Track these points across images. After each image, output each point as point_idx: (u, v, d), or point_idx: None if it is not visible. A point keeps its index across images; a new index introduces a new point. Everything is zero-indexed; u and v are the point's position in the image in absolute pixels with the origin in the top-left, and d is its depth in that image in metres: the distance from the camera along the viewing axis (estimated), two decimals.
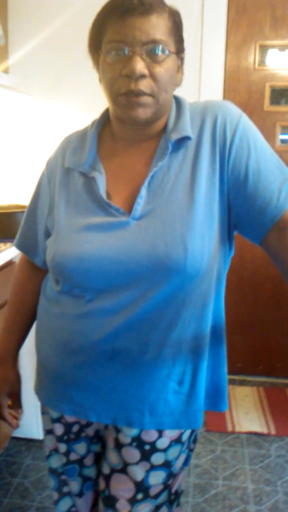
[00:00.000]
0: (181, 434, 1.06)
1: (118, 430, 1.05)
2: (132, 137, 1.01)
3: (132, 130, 1.00)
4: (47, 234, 1.10)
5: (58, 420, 1.13)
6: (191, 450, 1.14)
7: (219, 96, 2.56)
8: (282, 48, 2.56)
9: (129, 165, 1.02)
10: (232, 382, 2.82)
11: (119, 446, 1.06)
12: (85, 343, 1.01)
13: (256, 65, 2.58)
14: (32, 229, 1.14)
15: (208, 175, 0.96)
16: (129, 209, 0.97)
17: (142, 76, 0.90)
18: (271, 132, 2.62)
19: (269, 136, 2.62)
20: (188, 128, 0.97)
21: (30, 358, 2.14)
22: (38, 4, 2.52)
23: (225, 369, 1.11)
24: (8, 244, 2.02)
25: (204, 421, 1.16)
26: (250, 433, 2.36)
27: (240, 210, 0.97)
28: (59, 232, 1.01)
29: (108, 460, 1.09)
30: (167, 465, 1.05)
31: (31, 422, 2.24)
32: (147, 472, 1.04)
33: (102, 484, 1.11)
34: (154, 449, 1.03)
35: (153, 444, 1.03)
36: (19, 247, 1.19)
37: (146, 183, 0.96)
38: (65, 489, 1.20)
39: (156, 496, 1.06)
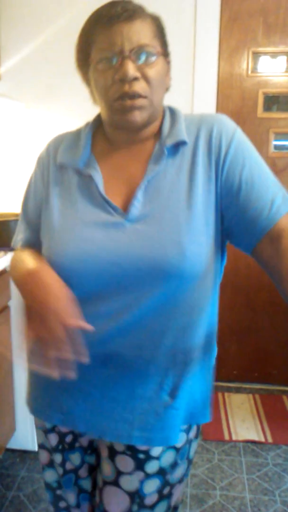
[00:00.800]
0: None
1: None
2: (126, 141, 1.03)
3: (125, 135, 1.01)
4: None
5: (52, 430, 1.12)
6: (190, 462, 1.12)
7: (213, 103, 2.55)
8: (274, 55, 2.56)
9: (124, 165, 1.02)
10: (227, 389, 2.80)
11: (113, 454, 1.04)
12: None
13: (249, 71, 2.58)
14: (32, 227, 1.12)
15: (205, 183, 0.97)
16: (125, 210, 0.97)
17: (135, 78, 0.93)
18: (264, 138, 2.62)
19: (263, 143, 2.62)
20: (183, 133, 0.99)
21: (23, 373, 2.11)
22: (30, 11, 2.51)
23: (213, 380, 1.10)
24: (2, 253, 1.99)
25: (200, 430, 1.14)
26: (247, 441, 2.34)
27: (232, 219, 0.98)
28: (54, 231, 1.00)
29: (102, 472, 1.07)
30: (161, 472, 1.04)
31: (26, 434, 2.20)
32: (142, 481, 1.02)
33: (97, 498, 1.10)
34: (148, 457, 1.02)
35: (147, 452, 1.02)
36: (23, 246, 1.13)
37: (142, 186, 0.97)
38: (61, 504, 1.19)
39: (152, 506, 1.04)
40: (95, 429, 1.03)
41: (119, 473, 1.04)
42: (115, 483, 1.04)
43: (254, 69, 2.59)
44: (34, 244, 1.12)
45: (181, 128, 1.00)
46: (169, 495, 1.07)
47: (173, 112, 1.05)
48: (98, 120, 1.09)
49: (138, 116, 0.95)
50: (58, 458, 1.14)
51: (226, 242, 1.04)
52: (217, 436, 2.37)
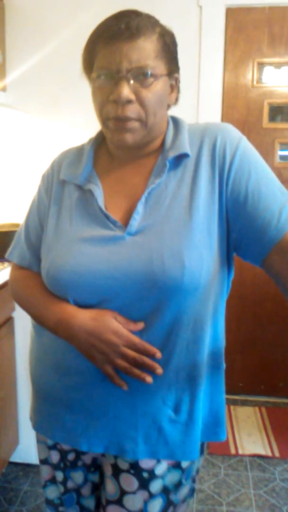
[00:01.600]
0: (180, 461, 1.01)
1: (116, 456, 1.01)
2: (128, 157, 1.01)
3: (127, 152, 1.00)
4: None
5: (54, 447, 1.10)
6: (193, 481, 1.09)
7: (218, 113, 2.55)
8: (280, 65, 2.56)
9: (126, 179, 1.01)
10: (233, 402, 2.77)
11: (117, 472, 1.02)
12: (78, 363, 0.98)
13: (254, 82, 2.58)
14: (31, 246, 1.10)
15: (207, 195, 0.95)
16: (125, 224, 0.96)
17: (129, 101, 0.90)
18: (270, 149, 2.61)
19: (268, 153, 2.61)
20: (185, 145, 0.97)
21: (27, 387, 2.10)
22: (36, 22, 2.52)
23: (223, 396, 1.07)
24: (6, 264, 1.98)
25: (206, 444, 1.11)
26: (253, 455, 2.30)
27: (240, 231, 0.95)
28: (52, 246, 1.00)
29: (105, 491, 1.05)
30: (165, 491, 1.01)
31: (29, 447, 2.18)
32: (146, 502, 1.00)
33: None
34: (152, 476, 0.99)
35: (151, 471, 0.99)
36: (20, 262, 1.13)
37: (143, 199, 0.95)
38: None
39: None
40: (98, 445, 1.00)
41: (123, 492, 1.01)
42: (119, 502, 1.02)
43: (259, 80, 2.59)
44: (31, 264, 1.10)
45: (183, 140, 0.98)
46: None
47: (176, 123, 1.03)
48: (101, 134, 1.09)
49: (130, 138, 0.94)
50: (59, 476, 1.11)
51: (233, 255, 1.02)
52: (223, 450, 2.33)
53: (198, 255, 0.91)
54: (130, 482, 1.00)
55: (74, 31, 2.47)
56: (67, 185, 1.04)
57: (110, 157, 1.04)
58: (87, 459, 1.10)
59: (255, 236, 0.93)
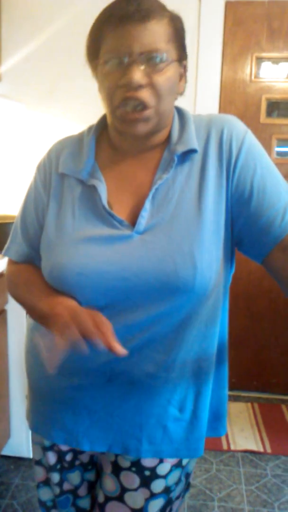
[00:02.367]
0: (182, 458, 1.00)
1: (116, 454, 1.00)
2: (133, 148, 0.97)
3: (133, 142, 0.95)
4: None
5: (50, 448, 1.07)
6: (189, 477, 1.08)
7: (215, 108, 2.53)
8: (278, 60, 2.54)
9: (131, 175, 0.96)
10: None
11: (117, 470, 1.00)
12: (82, 364, 0.95)
13: (253, 77, 2.56)
14: (30, 240, 1.06)
15: (215, 191, 0.92)
16: (132, 222, 0.92)
17: (141, 86, 0.85)
18: (267, 144, 2.60)
19: (265, 149, 2.58)
20: (194, 140, 0.93)
21: (19, 379, 2.08)
22: (31, 11, 2.49)
23: (226, 391, 1.06)
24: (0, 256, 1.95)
25: None
26: (245, 451, 2.30)
27: (243, 228, 0.93)
28: (55, 244, 0.95)
29: (104, 487, 1.03)
30: (166, 491, 1.00)
31: (20, 440, 2.16)
32: (147, 500, 0.98)
33: None
34: (154, 475, 0.98)
35: (153, 470, 0.98)
36: (18, 258, 1.09)
37: (150, 195, 0.92)
38: None
39: None
40: (101, 444, 0.99)
41: (123, 489, 1.00)
42: (120, 498, 1.00)
43: (258, 75, 2.57)
44: (31, 258, 1.06)
45: (191, 135, 0.94)
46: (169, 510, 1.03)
47: (181, 115, 0.99)
48: (102, 123, 1.03)
49: (142, 127, 0.89)
50: (55, 477, 1.09)
51: (234, 250, 1.00)
52: (215, 446, 2.33)
53: (209, 256, 0.89)
54: (131, 479, 0.99)
55: (70, 20, 2.44)
56: (67, 179, 0.99)
57: (112, 148, 0.99)
58: (85, 457, 1.08)
59: (258, 234, 0.91)
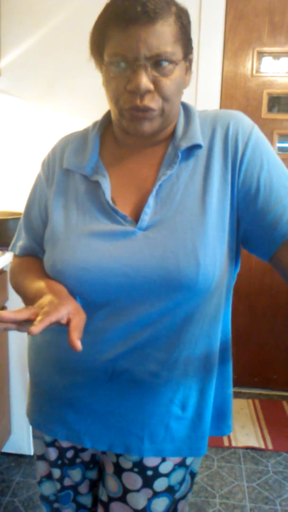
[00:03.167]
0: (185, 458, 0.99)
1: (118, 454, 0.99)
2: (137, 145, 0.96)
3: (136, 139, 0.94)
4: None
5: (52, 444, 1.07)
6: (193, 476, 1.08)
7: (216, 103, 2.51)
8: (280, 55, 2.52)
9: (135, 170, 0.96)
10: None
11: (119, 471, 0.99)
12: (84, 362, 0.94)
13: (254, 71, 2.54)
14: (33, 235, 1.06)
15: (220, 187, 0.90)
16: (136, 218, 0.91)
17: (148, 91, 0.84)
18: (268, 140, 2.57)
19: None
20: (198, 136, 0.92)
21: (20, 376, 2.07)
22: (31, 5, 2.46)
23: (230, 390, 1.05)
24: (0, 252, 1.94)
25: None
26: (246, 448, 2.30)
27: (250, 224, 0.92)
28: (58, 239, 0.94)
29: (107, 487, 1.02)
30: (170, 490, 0.99)
31: (21, 438, 2.16)
32: (149, 500, 0.98)
33: None
34: (157, 474, 0.97)
35: (155, 469, 0.97)
36: (22, 253, 1.09)
37: (154, 191, 0.91)
38: None
39: None
40: (102, 443, 0.98)
41: (126, 490, 0.99)
42: (122, 499, 0.99)
43: (259, 69, 2.55)
44: (34, 252, 1.07)
45: (196, 130, 0.93)
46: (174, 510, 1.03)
47: (187, 110, 0.98)
48: (107, 119, 1.02)
49: (148, 127, 0.89)
50: (56, 473, 1.09)
51: (240, 248, 0.99)
52: (217, 442, 2.32)
53: (212, 253, 0.88)
54: (133, 480, 0.98)
55: (70, 15, 2.41)
56: (71, 175, 0.98)
57: (116, 144, 0.99)
58: (86, 456, 1.07)
59: (265, 230, 0.90)
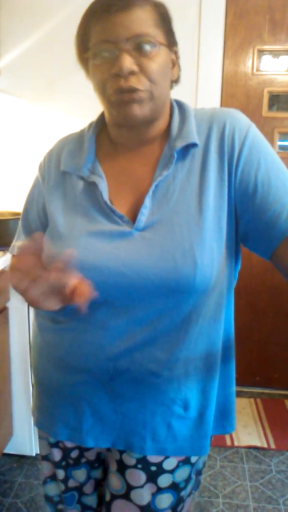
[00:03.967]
0: (189, 456, 0.99)
1: (121, 451, 0.99)
2: (131, 141, 0.96)
3: (130, 133, 0.94)
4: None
5: (56, 444, 1.07)
6: (200, 474, 1.07)
7: (217, 101, 2.50)
8: (280, 53, 2.51)
9: (131, 170, 0.96)
10: None
11: (123, 468, 0.99)
12: (85, 361, 0.95)
13: (254, 70, 2.53)
14: (30, 235, 1.06)
15: (216, 186, 0.90)
16: (133, 218, 0.91)
17: (132, 72, 0.85)
18: (269, 138, 2.57)
19: None
20: (194, 134, 0.92)
21: (22, 377, 2.07)
22: (31, 4, 2.45)
23: (233, 388, 1.04)
24: (1, 253, 1.93)
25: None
26: (249, 447, 2.30)
27: (249, 223, 0.91)
28: (57, 239, 0.94)
29: (110, 486, 1.02)
30: (175, 487, 0.99)
31: (23, 438, 2.15)
32: (154, 495, 0.98)
33: None
34: (161, 470, 0.97)
35: (159, 465, 0.97)
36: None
37: (150, 192, 0.91)
38: None
39: None
40: (105, 441, 0.98)
41: (129, 487, 0.99)
42: (126, 496, 0.99)
43: (259, 67, 2.54)
44: None
45: (191, 128, 0.92)
46: (181, 510, 1.02)
47: (182, 108, 0.98)
48: (102, 120, 1.03)
49: (138, 110, 0.88)
50: (61, 474, 1.09)
51: (240, 246, 0.98)
52: (219, 442, 2.32)
53: (210, 252, 0.88)
54: (137, 477, 0.98)
55: (70, 14, 2.40)
56: (68, 176, 0.98)
57: (112, 144, 0.99)
58: (91, 455, 1.07)
59: (264, 229, 0.90)
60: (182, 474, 0.99)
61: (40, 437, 1.11)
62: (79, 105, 2.45)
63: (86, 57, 0.91)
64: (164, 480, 0.98)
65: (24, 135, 2.56)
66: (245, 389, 2.80)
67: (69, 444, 1.05)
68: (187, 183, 0.90)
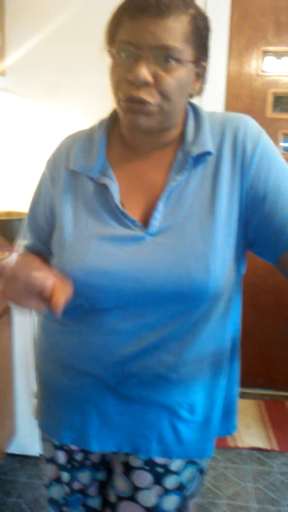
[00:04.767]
0: None
1: (127, 453, 0.99)
2: (144, 145, 0.94)
3: (143, 138, 0.93)
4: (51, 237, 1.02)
5: (60, 447, 1.06)
6: (202, 473, 1.07)
7: (221, 102, 2.50)
8: (285, 54, 2.51)
9: (143, 174, 0.94)
10: None
11: (128, 470, 0.99)
12: (93, 364, 0.95)
13: (259, 71, 2.53)
14: (38, 234, 1.05)
15: (229, 193, 0.90)
16: (144, 222, 0.90)
17: (146, 83, 0.82)
18: (273, 139, 2.53)
19: None
20: (209, 142, 0.91)
21: (24, 377, 2.07)
22: (36, 4, 2.45)
23: (237, 390, 1.05)
24: (6, 254, 1.93)
25: None
26: (252, 448, 2.29)
27: (257, 228, 0.91)
28: (67, 242, 0.93)
29: (115, 487, 1.02)
30: (181, 488, 0.99)
31: (26, 438, 2.15)
32: (160, 497, 0.98)
33: None
34: (167, 471, 0.97)
35: (166, 466, 0.97)
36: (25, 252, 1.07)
37: (163, 197, 0.90)
38: None
39: None
40: (110, 444, 0.98)
41: (135, 489, 0.99)
42: (132, 498, 0.99)
43: (264, 69, 2.54)
44: (39, 251, 1.05)
45: (206, 136, 0.91)
46: (185, 510, 1.03)
47: (196, 112, 0.96)
48: (113, 117, 1.00)
49: (144, 121, 0.86)
50: (65, 476, 1.08)
51: (246, 250, 0.98)
52: (222, 443, 2.32)
53: (222, 258, 0.88)
54: (143, 478, 0.98)
55: (75, 15, 2.39)
56: (78, 176, 0.96)
57: (124, 145, 0.97)
58: (96, 457, 1.07)
59: (272, 234, 0.90)
60: (188, 474, 1.00)
61: (43, 440, 1.11)
62: (83, 105, 2.45)
63: (109, 50, 0.88)
64: (171, 482, 0.98)
65: (28, 135, 2.56)
66: (248, 391, 2.80)
67: (73, 447, 1.05)
68: (200, 189, 0.90)
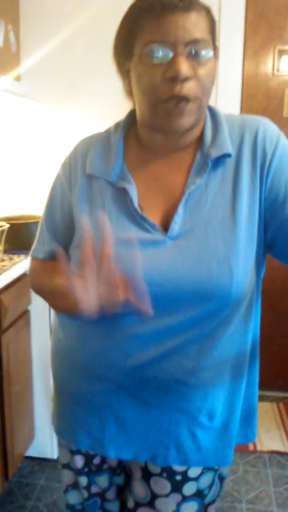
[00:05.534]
0: None
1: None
2: (163, 147, 0.93)
3: (165, 140, 0.91)
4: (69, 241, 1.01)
5: (78, 451, 1.05)
6: (222, 480, 1.06)
7: (237, 102, 2.48)
8: None
9: (162, 177, 0.93)
10: None
11: (147, 475, 0.98)
12: (111, 368, 0.93)
13: (275, 70, 2.51)
14: (58, 238, 1.03)
15: (249, 195, 0.89)
16: (164, 226, 0.89)
17: (187, 78, 0.81)
18: None
19: None
20: (228, 144, 0.90)
21: (42, 381, 2.07)
22: (50, 10, 2.47)
23: (256, 395, 1.02)
24: (22, 256, 1.94)
25: None
26: (272, 452, 2.26)
27: (277, 231, 0.90)
28: None
29: (134, 493, 1.00)
30: (199, 495, 0.97)
31: (45, 441, 2.15)
32: (178, 504, 0.96)
33: None
34: (186, 478, 0.96)
35: (184, 473, 0.95)
36: (46, 257, 1.06)
37: (183, 200, 0.88)
38: None
39: None
40: (127, 452, 0.96)
41: (154, 495, 0.97)
42: (150, 505, 0.98)
43: (280, 68, 2.51)
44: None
45: (225, 138, 0.90)
46: None
47: (213, 114, 0.95)
48: (129, 120, 0.99)
49: (186, 122, 0.85)
50: (83, 481, 1.07)
51: (265, 253, 0.97)
52: (241, 447, 2.29)
53: (244, 262, 0.86)
54: (162, 485, 0.96)
55: (90, 19, 2.40)
56: (95, 180, 0.95)
57: (141, 147, 0.95)
58: (113, 461, 1.06)
59: None
60: (206, 480, 0.98)
61: (60, 445, 1.10)
62: (98, 110, 2.46)
63: (129, 54, 0.86)
64: (189, 489, 0.96)
65: (43, 139, 2.57)
66: (267, 393, 2.76)
67: (91, 451, 1.04)
68: (219, 192, 0.89)
